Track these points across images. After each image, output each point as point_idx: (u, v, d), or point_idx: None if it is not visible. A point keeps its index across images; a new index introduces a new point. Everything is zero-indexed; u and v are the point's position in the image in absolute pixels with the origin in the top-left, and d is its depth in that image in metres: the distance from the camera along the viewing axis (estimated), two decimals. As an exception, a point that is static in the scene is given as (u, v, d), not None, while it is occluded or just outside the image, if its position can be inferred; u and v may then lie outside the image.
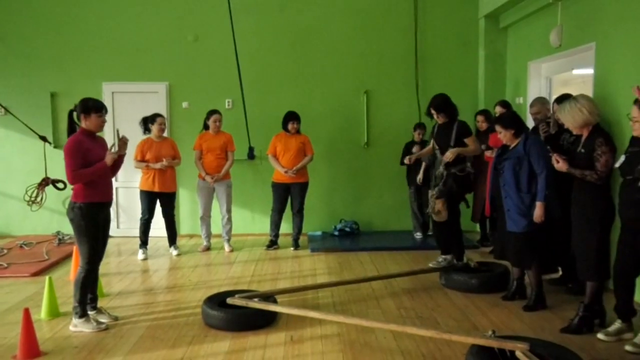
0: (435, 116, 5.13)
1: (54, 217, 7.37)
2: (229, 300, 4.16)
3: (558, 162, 3.84)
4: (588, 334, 3.81)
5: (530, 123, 5.48)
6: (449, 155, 4.95)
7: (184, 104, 7.41)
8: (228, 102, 7.31)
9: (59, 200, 7.32)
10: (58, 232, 7.16)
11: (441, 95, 5.15)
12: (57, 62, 7.33)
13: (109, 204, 4.18)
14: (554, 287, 4.81)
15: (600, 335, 3.74)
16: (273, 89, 7.36)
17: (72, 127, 4.13)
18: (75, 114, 4.09)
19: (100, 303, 4.37)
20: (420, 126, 6.86)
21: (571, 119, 3.83)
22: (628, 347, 3.54)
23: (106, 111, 4.14)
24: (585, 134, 3.85)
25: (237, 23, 6.85)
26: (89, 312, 4.14)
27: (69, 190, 3.99)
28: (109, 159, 4.02)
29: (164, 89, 7.38)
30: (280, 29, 7.38)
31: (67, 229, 7.35)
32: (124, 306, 4.61)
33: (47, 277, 4.45)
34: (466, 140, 5.03)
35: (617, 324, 3.74)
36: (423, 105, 7.33)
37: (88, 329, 4.01)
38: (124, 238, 7.32)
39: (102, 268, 5.59)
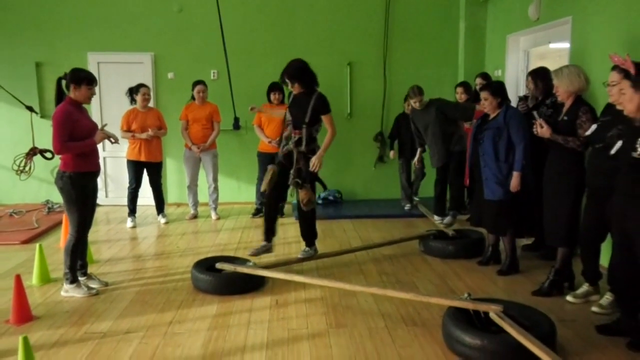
0: (289, 85, 4.34)
1: (42, 186, 7.27)
2: (218, 265, 4.19)
3: (542, 127, 3.81)
4: (558, 296, 3.91)
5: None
6: (316, 162, 4.33)
7: (170, 75, 7.28)
8: (213, 73, 7.19)
9: (47, 169, 7.21)
10: (47, 201, 7.07)
11: (297, 61, 4.33)
12: (42, 32, 7.11)
13: (97, 173, 4.12)
14: (527, 253, 4.90)
15: (568, 298, 3.84)
16: (258, 60, 7.25)
17: (59, 95, 4.00)
18: (64, 82, 3.97)
19: (90, 269, 4.36)
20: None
21: (568, 82, 3.78)
22: (594, 309, 3.64)
23: (96, 84, 4.05)
24: (569, 102, 3.85)
25: (222, -6, 6.69)
26: (80, 278, 4.13)
27: (57, 160, 3.92)
28: (98, 138, 3.95)
29: (149, 60, 7.23)
30: (265, 1, 7.23)
31: (57, 197, 7.26)
32: (114, 272, 4.61)
33: (37, 245, 4.42)
34: (323, 117, 4.35)
35: (584, 287, 3.84)
36: (392, 80, 7.36)
37: (79, 294, 4.01)
38: (113, 207, 7.27)
39: (92, 236, 5.57)
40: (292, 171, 4.33)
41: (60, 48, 7.12)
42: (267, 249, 4.50)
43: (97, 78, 7.08)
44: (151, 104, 6.44)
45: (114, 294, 4.08)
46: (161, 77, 7.32)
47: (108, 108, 7.22)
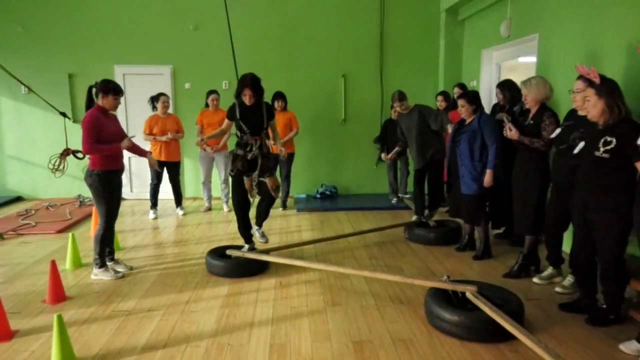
0: (248, 96, 3.96)
1: (75, 183, 7.24)
2: (228, 252, 4.18)
3: (511, 130, 3.79)
4: (525, 278, 3.91)
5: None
6: (285, 151, 4.33)
7: (187, 85, 7.24)
8: (225, 83, 7.16)
9: (78, 168, 7.13)
10: (79, 196, 7.04)
11: (254, 75, 4.03)
12: (74, 46, 7.07)
13: (121, 171, 4.08)
14: (498, 241, 4.90)
15: (535, 280, 3.84)
16: (263, 72, 6.95)
17: (90, 102, 3.97)
18: (94, 90, 3.93)
19: (117, 255, 4.34)
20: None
21: (536, 91, 3.77)
22: (557, 289, 3.64)
23: (122, 94, 4.00)
24: (535, 109, 3.85)
25: (232, 14, 6.61)
26: (108, 263, 4.12)
27: (87, 159, 3.88)
28: (124, 145, 3.92)
29: (168, 72, 7.19)
30: (269, 20, 7.20)
31: (87, 192, 7.25)
32: (138, 258, 4.59)
33: (70, 234, 4.39)
34: (271, 123, 4.20)
35: (549, 270, 3.84)
36: (390, 88, 7.33)
37: (106, 277, 3.99)
38: (137, 200, 7.25)
39: (118, 226, 5.54)
40: (255, 173, 4.06)
41: (89, 61, 7.07)
42: (253, 247, 4.31)
43: (123, 88, 7.16)
44: (170, 111, 6.40)
45: (137, 277, 4.07)
46: (179, 87, 7.29)
47: (133, 114, 7.18)
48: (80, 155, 6.68)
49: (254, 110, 4.07)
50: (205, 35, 7.11)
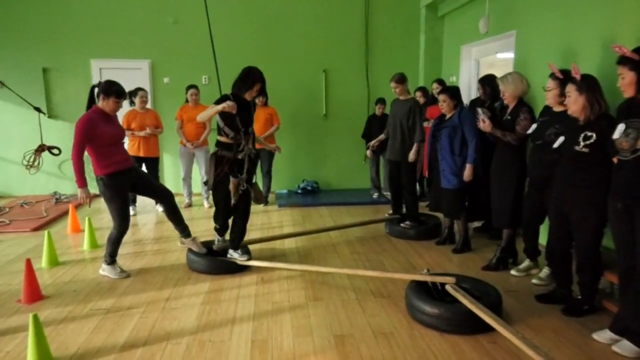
0: (259, 95, 4.14)
1: (50, 179, 7.09)
2: (215, 247, 4.15)
3: (485, 122, 3.84)
4: (503, 270, 3.98)
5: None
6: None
7: (165, 80, 7.14)
8: (205, 78, 7.08)
9: (54, 164, 7.04)
10: (55, 192, 6.89)
11: (256, 68, 4.00)
12: (48, 40, 6.89)
13: (127, 170, 3.83)
14: (477, 234, 4.97)
15: (512, 272, 3.91)
16: (244, 66, 7.13)
17: (91, 102, 3.80)
18: (97, 90, 3.77)
19: (94, 253, 4.27)
20: (381, 101, 6.76)
21: (513, 87, 3.82)
22: (534, 281, 3.72)
23: (125, 98, 3.85)
24: (512, 104, 3.90)
25: (211, 8, 6.54)
26: (185, 240, 4.13)
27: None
28: (81, 196, 3.67)
29: (147, 66, 7.07)
30: (250, 14, 7.14)
31: (64, 189, 7.12)
32: (117, 255, 4.50)
33: (46, 232, 4.30)
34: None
35: (526, 263, 3.91)
36: (372, 83, 7.37)
37: (112, 274, 3.93)
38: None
39: (97, 222, 5.48)
40: (243, 176, 3.90)
41: (65, 54, 6.91)
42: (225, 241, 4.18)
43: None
44: (149, 106, 6.31)
45: (116, 275, 4.00)
46: (158, 82, 7.18)
47: (110, 109, 7.04)
48: (56, 151, 6.55)
49: (247, 107, 3.92)
50: (184, 29, 7.01)
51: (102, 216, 6.00)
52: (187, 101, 6.29)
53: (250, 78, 3.85)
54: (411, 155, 4.85)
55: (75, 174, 3.63)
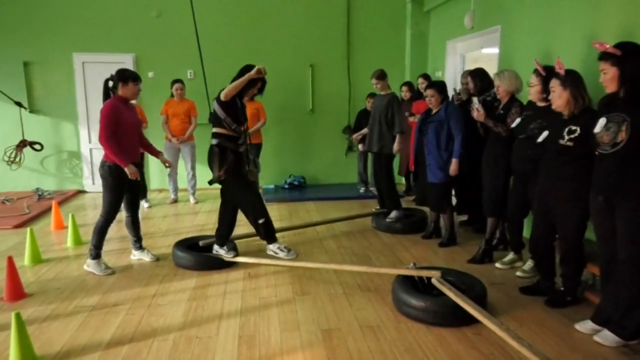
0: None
1: (33, 175, 6.97)
2: (202, 243, 4.13)
3: (479, 111, 3.86)
4: (489, 263, 4.03)
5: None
6: None
7: (150, 74, 7.03)
8: (190, 72, 7.00)
9: (37, 160, 6.93)
10: (37, 189, 6.77)
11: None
12: (29, 33, 6.73)
13: (137, 164, 3.90)
14: (463, 228, 5.02)
15: (497, 265, 3.96)
16: (231, 61, 6.95)
17: (107, 95, 3.86)
18: (111, 82, 3.82)
19: (78, 250, 4.22)
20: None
21: (508, 82, 3.87)
22: (518, 273, 3.78)
23: (141, 80, 3.88)
24: (505, 99, 3.94)
25: (196, 1, 6.49)
26: (135, 252, 4.13)
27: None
28: (130, 172, 3.72)
29: (131, 60, 6.96)
30: (235, 8, 7.07)
31: (46, 185, 7.00)
32: (102, 252, 4.45)
33: (28, 229, 4.23)
34: None
35: (510, 255, 3.97)
36: (358, 78, 7.36)
37: (97, 271, 3.88)
38: (100, 193, 7.00)
39: (81, 219, 5.41)
40: (251, 167, 4.03)
41: (46, 48, 6.78)
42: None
43: (82, 77, 6.92)
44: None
45: (101, 271, 3.96)
46: (142, 76, 6.94)
47: (93, 104, 6.93)
48: (38, 147, 6.44)
49: (243, 103, 4.01)
50: (169, 22, 6.92)
51: (86, 212, 5.93)
52: (172, 96, 6.23)
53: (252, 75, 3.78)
54: (395, 146, 4.91)
55: (114, 158, 3.67)
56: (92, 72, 6.92)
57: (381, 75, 5.12)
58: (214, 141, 3.92)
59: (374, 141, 5.11)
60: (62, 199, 6.54)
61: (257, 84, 3.94)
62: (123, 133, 3.73)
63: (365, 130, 5.48)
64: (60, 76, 6.88)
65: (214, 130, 3.94)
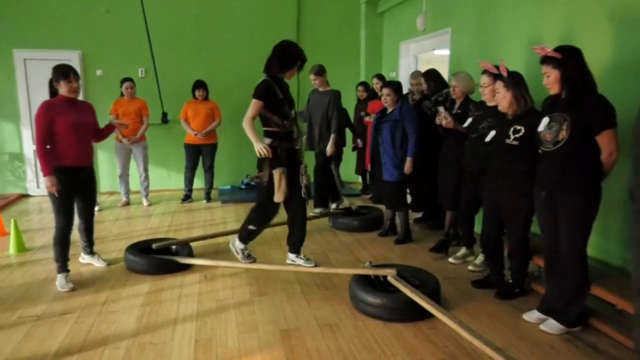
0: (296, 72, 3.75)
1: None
2: (155, 246, 4.01)
3: (447, 118, 3.90)
4: (443, 258, 4.15)
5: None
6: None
7: (98, 72, 6.76)
8: (141, 71, 6.79)
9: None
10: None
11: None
12: (-37, 28, 6.33)
13: (83, 168, 3.65)
14: (418, 225, 5.13)
15: (450, 260, 4.09)
16: (183, 59, 6.94)
17: (53, 95, 3.63)
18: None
19: (21, 257, 3.99)
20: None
21: (465, 83, 4.00)
22: (470, 267, 3.91)
23: (74, 75, 3.56)
24: (460, 100, 4.06)
25: (147, -3, 6.33)
26: (85, 256, 3.98)
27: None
28: (46, 185, 3.44)
29: (77, 57, 6.66)
30: (187, 5, 6.91)
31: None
32: (47, 258, 4.22)
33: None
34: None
35: (462, 250, 4.10)
36: (303, 80, 7.36)
37: (58, 285, 3.58)
38: (45, 197, 6.66)
39: (25, 225, 5.13)
40: (303, 166, 3.58)
41: (-17, 44, 6.38)
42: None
43: (24, 74, 6.54)
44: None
45: (48, 279, 3.76)
46: (90, 74, 6.78)
47: (36, 103, 6.54)
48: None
49: (288, 88, 3.50)
50: (118, 18, 6.68)
51: (31, 217, 5.63)
52: (122, 95, 6.01)
53: (292, 55, 3.43)
54: (328, 149, 4.98)
55: (40, 163, 3.45)
56: (35, 70, 6.57)
57: (320, 71, 5.10)
58: (267, 140, 3.51)
59: (315, 141, 5.15)
60: (3, 203, 6.18)
61: (297, 63, 3.49)
62: (60, 135, 3.46)
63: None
64: (0, 73, 6.49)
65: (264, 128, 3.59)
